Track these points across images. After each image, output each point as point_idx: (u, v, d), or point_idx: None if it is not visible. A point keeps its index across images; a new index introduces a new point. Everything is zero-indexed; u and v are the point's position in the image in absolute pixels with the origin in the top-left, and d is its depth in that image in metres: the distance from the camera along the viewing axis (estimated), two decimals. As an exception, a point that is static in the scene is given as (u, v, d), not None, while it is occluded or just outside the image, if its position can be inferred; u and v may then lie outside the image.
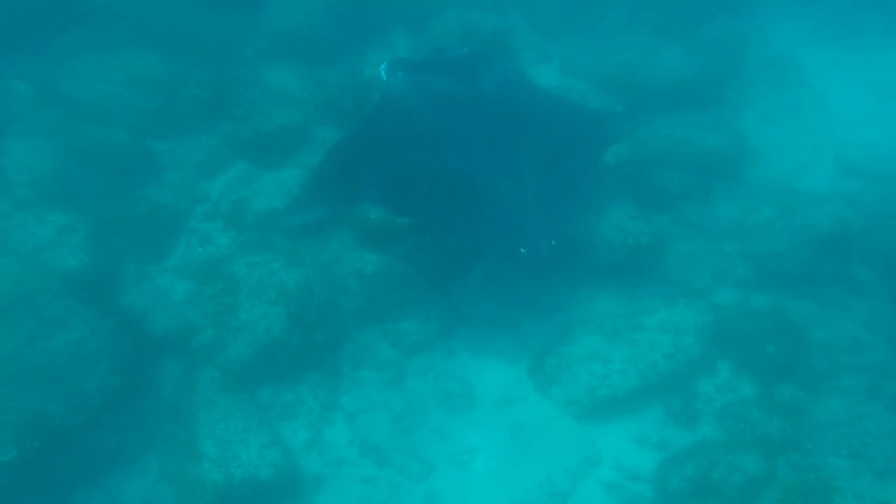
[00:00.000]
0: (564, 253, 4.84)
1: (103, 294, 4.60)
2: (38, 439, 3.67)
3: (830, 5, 8.19)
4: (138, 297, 4.76)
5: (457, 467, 4.73)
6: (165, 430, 4.35)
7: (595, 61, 7.09)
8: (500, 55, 5.88)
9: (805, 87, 7.36)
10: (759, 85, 7.19)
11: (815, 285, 5.65)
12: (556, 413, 5.03)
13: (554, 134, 4.92)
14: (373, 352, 5.06)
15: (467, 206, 4.56)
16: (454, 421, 4.94)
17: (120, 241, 4.99)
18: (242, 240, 5.18)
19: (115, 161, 5.50)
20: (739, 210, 6.04)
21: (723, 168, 6.31)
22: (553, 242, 4.49)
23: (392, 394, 4.96)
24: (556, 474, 4.65)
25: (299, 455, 4.59)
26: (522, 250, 4.46)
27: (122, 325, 4.39)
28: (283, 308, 4.75)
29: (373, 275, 5.28)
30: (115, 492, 4.21)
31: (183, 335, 4.66)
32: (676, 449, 4.80)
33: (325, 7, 6.81)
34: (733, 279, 5.78)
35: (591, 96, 6.91)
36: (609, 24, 7.68)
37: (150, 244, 5.13)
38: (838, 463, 4.63)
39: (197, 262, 5.12)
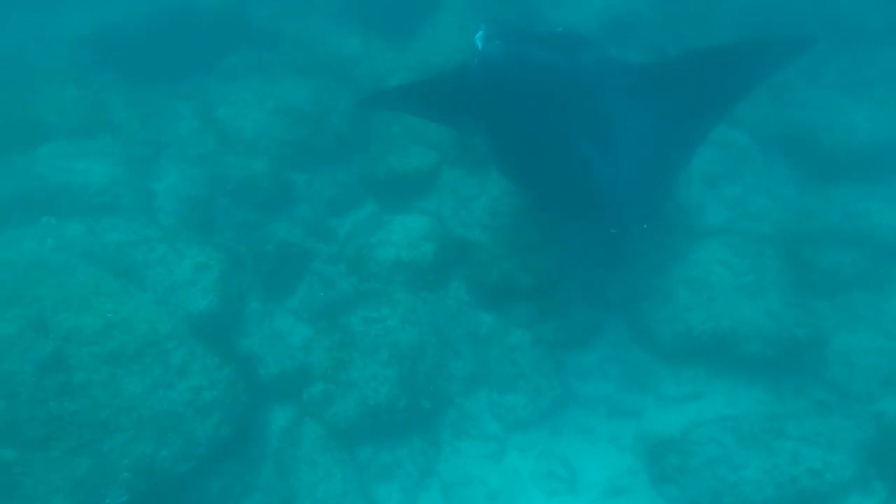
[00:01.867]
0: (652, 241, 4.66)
1: (225, 335, 4.77)
2: (148, 485, 3.86)
3: None
4: (257, 340, 4.89)
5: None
6: (267, 480, 4.45)
7: (765, 115, 6.32)
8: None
9: None
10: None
11: None
12: (671, 514, 4.62)
13: (654, 116, 4.51)
14: (476, 422, 4.88)
15: (563, 178, 4.38)
16: (553, 505, 4.67)
17: (248, 279, 5.16)
18: (363, 288, 5.16)
19: (254, 192, 5.68)
20: (919, 305, 5.17)
21: (907, 252, 5.40)
22: (645, 226, 4.25)
23: (491, 469, 4.75)
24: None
25: (391, 521, 4.55)
26: (612, 230, 4.22)
27: (238, 371, 4.51)
28: (394, 370, 4.70)
29: (486, 338, 5.12)
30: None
31: (294, 384, 4.73)
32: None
33: (473, 41, 6.60)
34: (905, 387, 4.97)
35: (753, 153, 6.20)
36: (786, 72, 6.78)
37: (275, 283, 5.26)
38: None
39: (317, 307, 5.18)
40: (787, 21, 7.11)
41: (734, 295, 5.09)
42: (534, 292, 5.12)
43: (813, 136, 6.02)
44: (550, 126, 4.44)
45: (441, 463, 4.75)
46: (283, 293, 5.28)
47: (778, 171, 6.15)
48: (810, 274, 5.27)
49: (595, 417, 4.98)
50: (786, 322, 4.90)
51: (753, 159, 6.24)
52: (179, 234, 5.13)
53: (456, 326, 5.10)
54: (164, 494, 3.96)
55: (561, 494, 4.70)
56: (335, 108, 6.27)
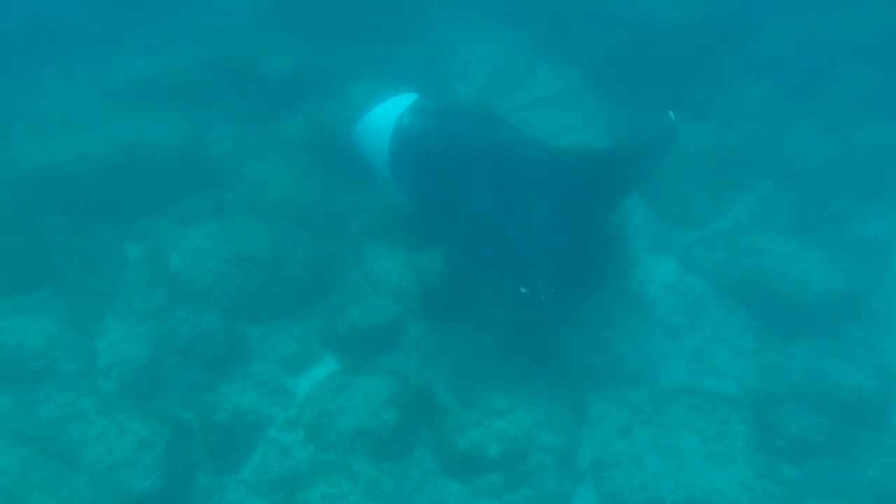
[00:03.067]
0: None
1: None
2: None
3: None
4: (205, 522, 4.48)
5: None
6: None
7: (721, 260, 6.43)
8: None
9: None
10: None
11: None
12: None
13: (569, 186, 4.90)
14: None
15: (479, 241, 4.82)
16: None
17: (196, 450, 4.77)
18: (322, 459, 4.83)
19: (206, 351, 5.36)
20: (883, 470, 5.15)
21: (867, 412, 5.42)
22: (553, 291, 4.48)
23: None
24: None
25: None
26: (523, 290, 4.53)
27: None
28: (354, 552, 4.35)
29: (455, 512, 4.82)
30: None
31: (245, 575, 4.31)
32: None
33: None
34: (877, 557, 4.87)
35: (711, 301, 6.28)
36: (737, 215, 7.03)
37: (226, 452, 4.87)
38: None
39: (271, 479, 4.79)
40: (734, 163, 7.43)
41: (703, 462, 5.01)
42: (502, 462, 4.89)
43: (767, 284, 6.10)
44: (467, 195, 4.72)
45: None
46: (234, 463, 4.88)
47: (735, 321, 6.20)
48: (777, 439, 5.19)
49: None
50: (756, 493, 4.82)
51: (711, 307, 6.31)
52: (121, 404, 4.73)
53: (422, 498, 4.80)
54: None
55: None
56: (293, 256, 6.06)
